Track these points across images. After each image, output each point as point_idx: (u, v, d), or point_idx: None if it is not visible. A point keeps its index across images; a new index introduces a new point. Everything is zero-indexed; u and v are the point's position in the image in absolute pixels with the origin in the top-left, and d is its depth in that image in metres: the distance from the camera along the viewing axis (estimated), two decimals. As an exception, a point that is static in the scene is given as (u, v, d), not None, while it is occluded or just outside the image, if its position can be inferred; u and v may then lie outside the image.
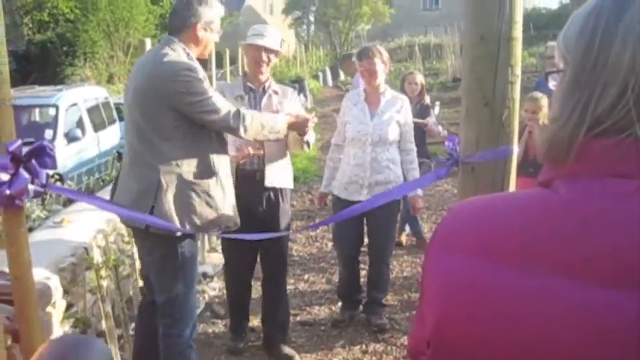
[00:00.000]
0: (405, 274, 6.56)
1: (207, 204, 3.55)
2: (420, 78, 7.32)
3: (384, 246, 5.25)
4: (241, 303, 4.84)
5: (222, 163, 3.68)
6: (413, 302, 5.74)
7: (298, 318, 5.47)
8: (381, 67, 5.00)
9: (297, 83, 19.92)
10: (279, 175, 4.48)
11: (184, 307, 3.65)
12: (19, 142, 2.97)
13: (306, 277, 6.51)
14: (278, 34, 4.55)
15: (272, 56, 4.48)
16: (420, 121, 6.83)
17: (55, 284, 4.16)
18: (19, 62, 28.74)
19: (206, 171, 3.57)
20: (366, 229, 5.26)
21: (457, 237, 0.97)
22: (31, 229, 4.96)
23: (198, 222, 3.54)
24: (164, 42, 3.64)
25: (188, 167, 3.50)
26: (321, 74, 31.27)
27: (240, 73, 4.80)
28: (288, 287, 6.01)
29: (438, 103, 19.27)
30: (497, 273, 0.89)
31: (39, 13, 31.74)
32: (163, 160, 3.47)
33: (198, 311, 5.51)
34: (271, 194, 4.47)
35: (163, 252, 3.58)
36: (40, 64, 29.62)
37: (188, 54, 3.56)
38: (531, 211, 0.93)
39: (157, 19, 34.62)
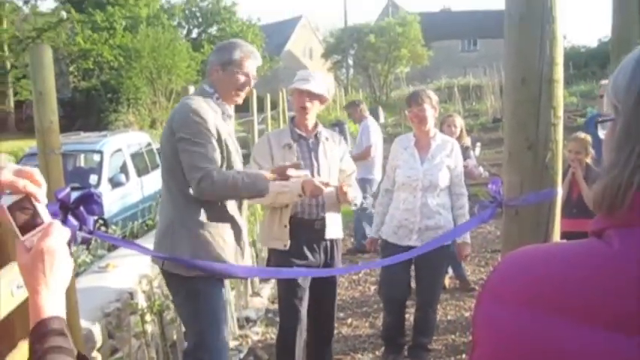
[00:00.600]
0: (449, 317, 6.48)
1: (221, 247, 3.60)
2: (459, 120, 7.32)
3: (432, 291, 5.16)
4: (293, 350, 4.62)
5: (235, 209, 3.74)
6: (457, 346, 5.66)
7: (342, 363, 5.42)
8: (431, 113, 4.93)
9: (338, 127, 19.95)
10: (335, 225, 4.50)
11: (214, 350, 3.62)
12: (68, 189, 3.03)
13: (349, 321, 6.47)
14: (324, 79, 4.50)
15: (316, 102, 4.40)
16: (460, 163, 6.82)
17: (101, 329, 4.20)
18: (65, 109, 29.44)
19: (220, 215, 3.62)
20: (413, 273, 5.19)
21: (506, 287, 0.96)
22: (77, 274, 5.02)
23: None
24: (199, 88, 3.82)
25: (202, 210, 3.55)
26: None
27: (284, 118, 4.71)
28: (331, 331, 5.98)
29: (478, 144, 19.18)
30: (545, 325, 0.88)
31: (84, 62, 32.58)
32: (178, 203, 3.58)
33: (242, 355, 5.50)
34: (328, 244, 4.45)
35: (186, 292, 3.60)
36: (85, 111, 30.28)
37: (217, 98, 3.67)
38: (582, 265, 0.91)
39: (199, 66, 35.25)
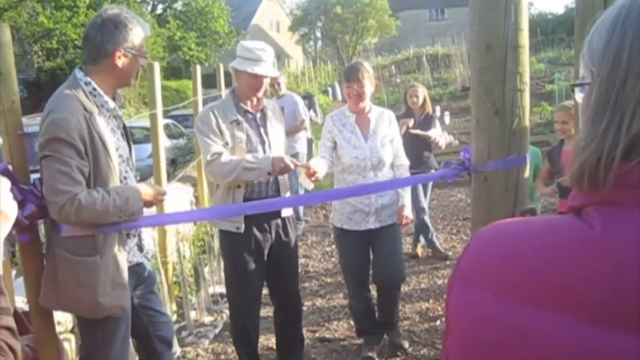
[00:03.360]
0: (422, 285, 6.53)
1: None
2: (421, 91, 7.28)
3: (394, 270, 4.84)
4: (251, 340, 4.46)
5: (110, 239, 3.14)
6: (431, 314, 5.72)
7: (317, 334, 5.45)
8: (369, 89, 4.65)
9: (307, 99, 19.90)
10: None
11: None
12: (5, 163, 2.97)
13: (322, 292, 6.50)
14: (272, 53, 4.16)
15: (267, 80, 4.17)
16: (422, 133, 6.85)
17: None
18: (30, 90, 29.01)
19: (87, 247, 3.06)
20: (371, 258, 4.92)
21: (479, 271, 0.91)
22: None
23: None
24: (70, 79, 3.17)
25: (69, 242, 3.07)
26: (330, 89, 31.33)
27: (229, 94, 4.28)
28: (306, 303, 6.00)
29: (447, 113, 19.28)
30: (514, 312, 0.84)
31: (48, 41, 32.06)
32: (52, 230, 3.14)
33: (217, 331, 5.51)
34: (281, 222, 4.28)
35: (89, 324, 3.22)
36: (51, 91, 29.40)
37: (93, 90, 3.10)
38: (557, 247, 0.85)
39: (165, 42, 34.88)
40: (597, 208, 0.85)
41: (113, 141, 3.12)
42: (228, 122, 4.07)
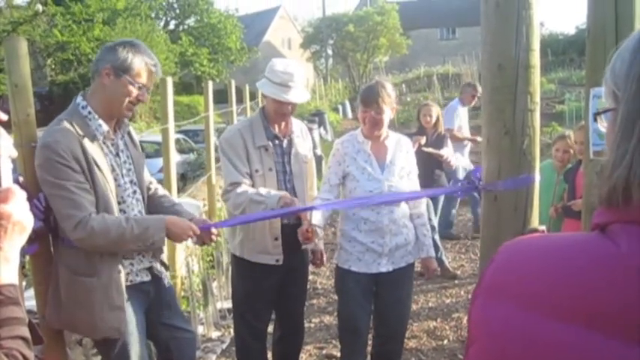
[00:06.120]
0: (430, 304, 6.52)
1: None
2: (435, 110, 7.35)
3: (400, 320, 4.29)
4: None
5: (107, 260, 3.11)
6: (438, 333, 5.70)
7: (324, 351, 5.43)
8: (389, 115, 4.05)
9: (317, 116, 20.05)
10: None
11: None
12: (17, 175, 2.98)
13: (330, 309, 6.48)
14: (303, 75, 3.96)
15: (295, 105, 3.97)
16: (434, 152, 6.88)
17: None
18: (42, 103, 29.14)
19: (86, 266, 3.07)
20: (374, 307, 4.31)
21: (503, 283, 0.93)
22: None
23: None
24: (70, 105, 3.17)
25: (70, 259, 3.09)
26: (340, 107, 31.41)
27: (258, 113, 4.09)
28: (313, 320, 6.00)
29: (458, 132, 19.19)
30: (539, 327, 0.84)
31: (61, 55, 32.25)
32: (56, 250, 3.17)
33: (224, 346, 5.51)
34: (299, 254, 4.17)
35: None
36: (63, 105, 29.76)
37: (89, 114, 3.08)
38: (584, 264, 0.85)
39: (177, 57, 35.01)
40: (624, 226, 0.85)
41: (107, 165, 3.09)
42: (256, 148, 3.92)
